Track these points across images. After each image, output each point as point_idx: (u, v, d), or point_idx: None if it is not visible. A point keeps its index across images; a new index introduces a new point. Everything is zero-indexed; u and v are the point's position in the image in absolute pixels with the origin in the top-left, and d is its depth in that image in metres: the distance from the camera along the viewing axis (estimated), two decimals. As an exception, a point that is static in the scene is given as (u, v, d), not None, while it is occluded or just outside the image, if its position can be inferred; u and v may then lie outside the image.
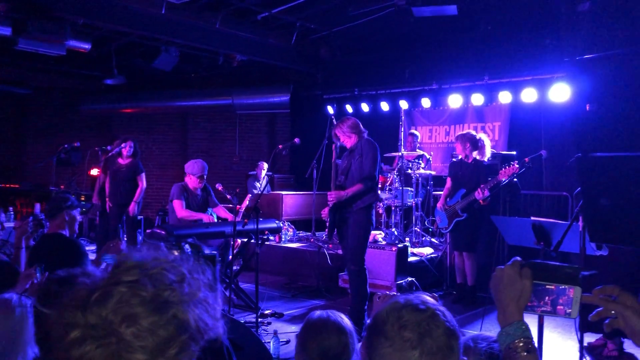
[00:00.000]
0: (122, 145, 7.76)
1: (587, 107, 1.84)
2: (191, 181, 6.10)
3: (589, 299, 1.26)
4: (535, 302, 1.26)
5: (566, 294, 1.24)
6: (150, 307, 0.90)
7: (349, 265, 5.33)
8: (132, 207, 7.72)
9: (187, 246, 1.49)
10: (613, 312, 1.24)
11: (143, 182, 7.87)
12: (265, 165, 9.62)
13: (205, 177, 6.16)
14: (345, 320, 2.14)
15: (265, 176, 9.31)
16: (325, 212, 5.45)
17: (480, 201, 6.09)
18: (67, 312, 0.90)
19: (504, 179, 5.95)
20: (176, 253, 1.06)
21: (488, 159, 6.54)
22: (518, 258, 1.28)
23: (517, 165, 5.85)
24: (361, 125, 5.40)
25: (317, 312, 2.19)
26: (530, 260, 1.27)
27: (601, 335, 4.71)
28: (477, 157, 6.40)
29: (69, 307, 0.91)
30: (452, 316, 1.34)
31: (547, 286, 1.26)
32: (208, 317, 0.97)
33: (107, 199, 7.83)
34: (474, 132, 6.66)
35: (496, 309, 1.28)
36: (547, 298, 1.26)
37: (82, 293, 0.92)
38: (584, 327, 4.07)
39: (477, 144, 6.40)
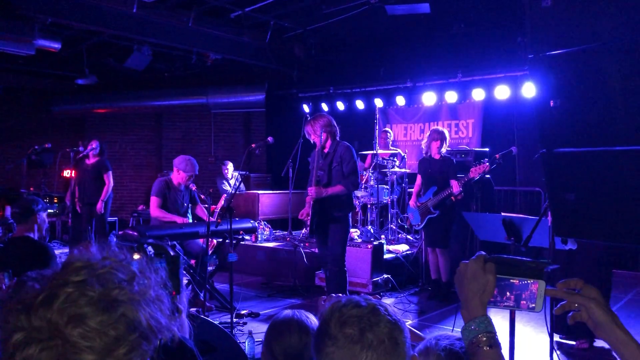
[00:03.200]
0: (90, 146, 7.72)
1: (551, 103, 1.86)
2: (178, 177, 5.95)
3: (553, 293, 1.27)
4: (499, 296, 1.27)
5: (529, 288, 1.25)
6: (98, 306, 0.88)
7: (330, 266, 5.33)
8: (100, 206, 7.68)
9: (149, 248, 1.47)
10: (576, 304, 1.25)
11: (110, 180, 7.84)
12: (230, 164, 9.59)
13: (194, 176, 6.03)
14: (312, 320, 2.13)
15: (238, 175, 9.27)
16: (303, 214, 5.44)
17: (453, 198, 6.14)
18: (11, 316, 0.89)
19: (475, 177, 6.02)
20: (137, 255, 1.04)
21: (446, 151, 6.53)
22: (482, 252, 1.28)
23: (488, 164, 5.90)
24: (334, 124, 5.38)
25: (284, 312, 2.19)
26: (495, 254, 1.28)
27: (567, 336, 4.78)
28: (445, 154, 6.43)
29: (13, 310, 0.89)
30: (394, 311, 1.35)
31: (511, 280, 1.26)
32: (161, 316, 0.96)
33: (76, 200, 7.76)
34: (441, 129, 6.64)
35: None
36: (510, 293, 1.26)
37: (29, 295, 0.90)
38: (555, 325, 4.13)
39: (445, 140, 6.42)
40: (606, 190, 2.04)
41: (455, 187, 6.09)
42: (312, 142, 5.50)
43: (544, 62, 2.06)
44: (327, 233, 5.27)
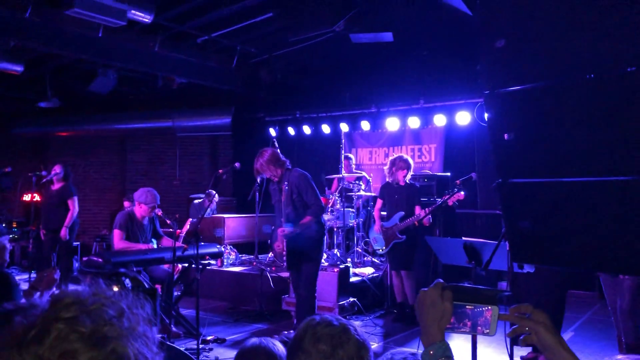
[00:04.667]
0: (53, 171, 7.58)
1: (506, 137, 1.98)
2: (141, 210, 5.93)
3: (506, 317, 1.36)
4: (456, 322, 1.35)
5: (484, 314, 1.34)
6: (89, 342, 0.89)
7: (300, 291, 5.36)
8: (63, 232, 7.52)
9: (127, 280, 1.50)
10: (527, 328, 1.34)
11: (74, 206, 7.67)
12: (217, 195, 9.48)
13: (156, 207, 6.00)
14: (278, 347, 2.17)
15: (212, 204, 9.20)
16: (279, 246, 5.49)
17: (416, 223, 6.28)
18: (2, 352, 0.89)
19: (451, 204, 6.20)
20: (116, 288, 1.08)
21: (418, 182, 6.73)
22: (440, 280, 1.37)
23: (463, 194, 6.06)
24: (279, 155, 5.41)
25: (251, 340, 2.23)
26: (452, 283, 1.37)
27: (531, 349, 4.92)
28: (407, 179, 6.58)
29: (4, 346, 0.90)
30: (362, 331, 1.49)
31: (467, 307, 1.35)
32: (147, 351, 0.97)
33: (40, 226, 7.59)
34: (406, 156, 6.79)
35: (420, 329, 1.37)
36: (466, 318, 1.35)
37: (19, 331, 0.91)
38: (514, 342, 4.25)
39: (410, 167, 6.58)
40: (559, 218, 2.16)
41: (420, 212, 6.25)
42: (265, 177, 5.54)
43: (499, 98, 2.20)
44: (301, 261, 5.32)
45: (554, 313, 4.44)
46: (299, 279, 5.42)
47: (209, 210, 9.10)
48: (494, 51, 2.21)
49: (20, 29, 7.13)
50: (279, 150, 5.69)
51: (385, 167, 6.75)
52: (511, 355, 3.62)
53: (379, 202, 6.80)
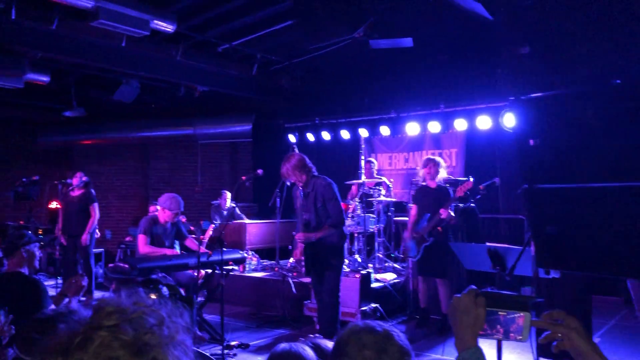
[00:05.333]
0: (76, 177, 7.73)
1: (531, 142, 2.00)
2: (164, 215, 6.04)
3: (538, 324, 1.38)
4: (489, 328, 1.38)
5: (516, 320, 1.36)
6: (131, 350, 0.91)
7: (325, 297, 5.37)
8: (84, 238, 7.65)
9: (164, 288, 1.55)
10: (560, 334, 1.36)
11: (96, 212, 7.83)
12: (229, 194, 9.62)
13: (179, 213, 6.10)
14: (308, 352, 2.20)
15: (231, 206, 9.31)
16: (297, 254, 5.52)
17: (449, 219, 6.19)
18: (49, 358, 0.92)
19: (461, 195, 6.12)
20: (154, 296, 1.11)
21: (441, 180, 6.64)
22: (473, 287, 1.40)
23: (471, 180, 6.01)
24: (307, 161, 5.42)
25: (281, 345, 2.25)
26: (484, 289, 1.39)
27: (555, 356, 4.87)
28: (442, 183, 6.52)
29: (50, 352, 0.93)
30: (405, 337, 1.51)
31: (500, 313, 1.37)
32: (186, 359, 0.99)
33: (59, 232, 7.74)
34: (438, 159, 6.72)
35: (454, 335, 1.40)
36: (499, 325, 1.37)
37: (63, 338, 0.94)
38: (540, 350, 4.23)
39: (439, 169, 6.52)
40: (586, 223, 2.17)
41: (444, 213, 6.17)
42: (289, 183, 5.57)
43: (524, 104, 2.21)
44: (323, 270, 5.33)
45: (581, 319, 4.41)
46: (320, 286, 5.44)
47: (225, 211, 9.21)
48: (518, 57, 2.23)
49: (47, 40, 7.30)
50: (303, 155, 5.69)
51: (421, 170, 6.66)
52: (537, 361, 3.60)
53: (414, 208, 6.65)
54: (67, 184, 7.78)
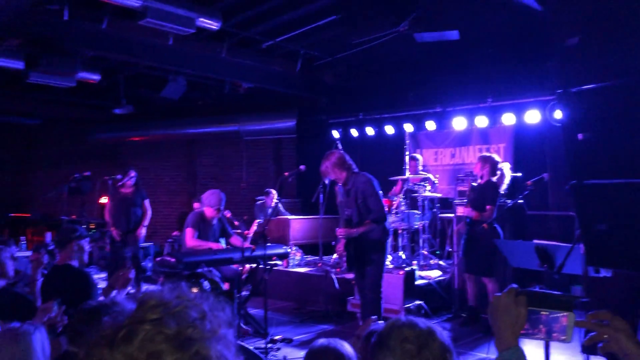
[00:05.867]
0: (130, 175, 7.95)
1: (580, 137, 1.91)
2: (208, 212, 6.19)
3: (583, 324, 1.32)
4: (531, 328, 1.33)
5: (560, 320, 1.31)
6: (174, 344, 0.92)
7: (367, 293, 5.36)
8: (140, 232, 7.88)
9: (205, 282, 1.56)
10: (606, 336, 1.30)
11: (149, 208, 8.06)
12: (275, 193, 9.69)
13: (222, 209, 6.22)
14: (347, 348, 2.19)
15: (275, 202, 9.38)
16: (340, 248, 5.53)
17: (474, 217, 6.12)
18: (95, 350, 0.94)
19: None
20: (195, 290, 1.12)
21: (504, 190, 6.52)
22: (514, 286, 1.35)
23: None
24: (347, 158, 5.40)
25: (320, 341, 2.25)
26: (526, 288, 1.34)
27: (606, 359, 4.70)
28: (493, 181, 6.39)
29: (96, 345, 0.94)
30: (448, 335, 1.50)
31: (542, 313, 1.32)
32: (228, 353, 0.99)
33: (112, 228, 7.97)
34: (498, 158, 6.58)
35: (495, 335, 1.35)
36: (541, 325, 1.32)
37: (108, 331, 0.95)
38: (589, 350, 4.08)
39: (495, 170, 6.37)
40: (637, 220, 2.07)
41: (466, 211, 6.14)
42: (329, 180, 5.55)
43: (572, 97, 2.13)
44: (365, 265, 5.32)
45: (629, 320, 4.23)
46: (363, 281, 5.42)
47: (269, 209, 9.29)
48: (567, 49, 2.14)
49: (98, 40, 7.52)
50: (342, 152, 5.69)
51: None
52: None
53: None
54: (117, 180, 8.00)
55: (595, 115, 1.84)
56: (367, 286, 5.31)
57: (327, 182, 5.58)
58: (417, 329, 1.46)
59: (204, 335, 0.96)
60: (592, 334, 1.31)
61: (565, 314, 1.30)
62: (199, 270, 4.55)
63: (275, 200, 9.47)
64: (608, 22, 1.83)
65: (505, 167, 6.61)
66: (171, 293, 1.02)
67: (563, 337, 1.31)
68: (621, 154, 1.92)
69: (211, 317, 1.00)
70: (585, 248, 2.33)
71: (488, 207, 6.15)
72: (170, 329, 0.93)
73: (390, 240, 8.23)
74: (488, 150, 9.07)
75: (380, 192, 5.41)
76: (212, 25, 7.13)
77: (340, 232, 5.34)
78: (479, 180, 6.46)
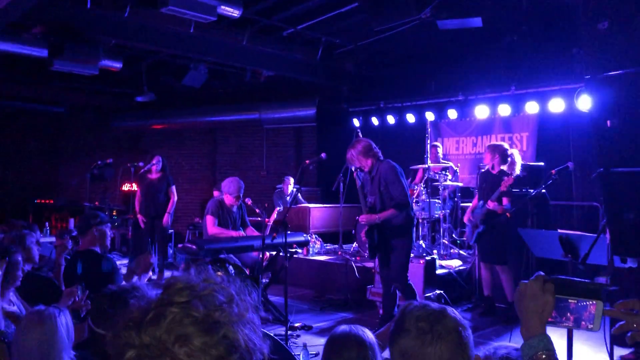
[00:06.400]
0: (153, 161, 8.03)
1: (608, 123, 1.87)
2: (228, 199, 6.23)
3: (611, 313, 1.30)
4: (558, 316, 1.30)
5: (588, 308, 1.28)
6: (201, 327, 0.92)
7: (394, 283, 5.36)
8: (166, 219, 7.98)
9: (230, 267, 1.56)
10: (635, 325, 1.27)
11: (174, 194, 8.17)
12: (292, 180, 9.71)
13: (241, 196, 6.26)
14: (368, 334, 2.19)
15: (294, 190, 9.41)
16: (363, 235, 5.55)
17: (497, 211, 6.08)
18: (123, 332, 0.94)
19: (503, 190, 5.96)
20: (220, 274, 1.11)
21: (517, 175, 6.47)
22: (541, 273, 1.33)
23: (513, 177, 5.99)
24: (373, 146, 5.40)
25: (341, 327, 2.26)
26: (554, 275, 1.32)
27: (633, 349, 4.63)
28: (512, 174, 6.33)
29: (124, 327, 0.95)
30: (461, 314, 1.58)
31: (570, 301, 1.30)
32: (256, 337, 0.99)
33: (137, 214, 8.07)
34: (506, 146, 6.58)
35: (521, 322, 1.34)
36: (569, 313, 1.30)
37: (136, 314, 0.96)
38: (614, 340, 4.02)
39: (506, 158, 6.34)
40: (667, 209, 2.03)
41: (490, 204, 6.09)
42: (355, 168, 5.55)
43: (601, 82, 2.08)
44: (389, 253, 5.31)
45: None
46: (386, 269, 5.42)
47: (288, 196, 9.31)
48: (596, 33, 2.09)
49: (120, 28, 7.57)
50: (369, 140, 5.64)
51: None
52: (611, 354, 3.43)
53: (476, 194, 6.66)
54: (139, 167, 8.09)
55: (623, 101, 1.80)
56: (392, 274, 5.31)
57: (352, 169, 5.58)
58: (429, 309, 1.54)
59: (232, 319, 0.96)
60: (621, 322, 1.28)
61: (593, 302, 1.28)
62: (222, 256, 4.58)
63: (292, 188, 9.49)
64: (638, 7, 1.78)
65: (515, 153, 6.53)
66: (198, 277, 1.01)
67: (591, 326, 1.28)
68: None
69: (238, 300, 1.00)
70: (612, 237, 2.28)
71: (504, 199, 6.11)
72: (198, 312, 0.93)
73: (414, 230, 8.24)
74: (511, 139, 8.97)
75: (406, 180, 5.39)
76: (234, 12, 7.11)
77: (361, 218, 5.34)
78: (491, 170, 6.40)
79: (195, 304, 0.94)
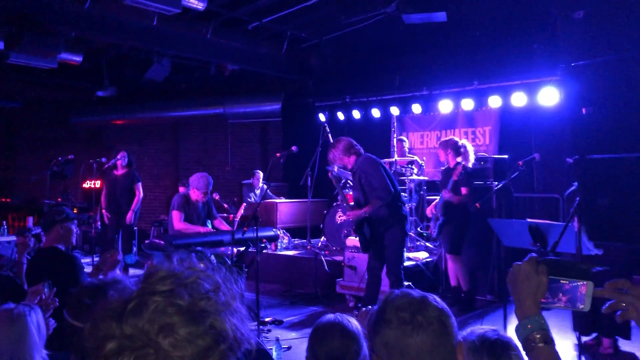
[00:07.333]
0: (118, 157, 7.85)
1: (584, 111, 1.91)
2: (194, 194, 6.13)
3: (602, 293, 1.33)
4: (550, 297, 1.33)
5: (579, 289, 1.31)
6: (187, 316, 0.87)
7: (388, 275, 5.41)
8: (129, 216, 7.82)
9: (212, 257, 1.53)
10: (624, 304, 1.30)
11: (140, 191, 8.01)
12: (261, 174, 9.66)
13: (209, 193, 6.18)
14: (353, 323, 2.19)
15: (263, 186, 9.36)
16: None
17: (451, 200, 6.19)
18: (102, 324, 0.88)
19: (455, 179, 6.12)
20: (202, 265, 1.06)
21: (472, 165, 6.60)
22: (534, 254, 1.35)
23: (460, 166, 6.17)
24: (354, 143, 5.44)
25: (327, 316, 2.25)
26: (545, 257, 1.34)
27: (594, 335, 4.78)
28: (461, 163, 6.47)
29: (103, 318, 0.89)
30: (442, 301, 1.53)
31: (562, 281, 1.32)
32: (243, 327, 0.95)
33: (103, 210, 7.90)
34: (456, 139, 6.73)
35: (512, 305, 1.36)
36: (561, 293, 1.33)
37: (117, 304, 0.90)
38: (577, 327, 4.14)
39: (458, 150, 6.47)
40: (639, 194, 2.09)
41: (445, 194, 6.26)
42: (337, 168, 5.57)
43: (576, 71, 2.12)
44: (380, 245, 5.34)
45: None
46: (374, 262, 5.49)
47: (259, 191, 9.27)
48: (571, 23, 2.13)
49: (80, 20, 7.35)
50: (349, 138, 5.65)
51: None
52: (579, 338, 3.53)
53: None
54: (102, 163, 7.90)
55: (599, 89, 1.84)
56: (387, 267, 5.36)
57: (335, 170, 5.60)
58: (410, 297, 1.49)
59: (219, 308, 0.91)
60: (611, 302, 1.32)
61: (584, 282, 1.31)
62: (198, 249, 4.52)
63: (261, 182, 9.45)
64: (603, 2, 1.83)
65: (467, 144, 6.67)
66: (181, 265, 0.96)
67: (582, 306, 1.31)
68: (625, 129, 1.92)
69: (225, 289, 0.95)
70: (587, 223, 2.34)
71: (463, 189, 6.23)
72: (183, 300, 0.88)
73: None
74: (474, 133, 9.13)
75: (386, 170, 5.41)
76: (198, 5, 7.01)
77: (348, 214, 5.37)
78: (449, 165, 6.54)
79: (179, 292, 0.89)
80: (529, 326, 1.29)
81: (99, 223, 8.25)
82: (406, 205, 8.03)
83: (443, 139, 7.24)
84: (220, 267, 1.03)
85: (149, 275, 0.94)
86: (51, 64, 8.04)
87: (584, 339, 4.87)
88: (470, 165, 6.47)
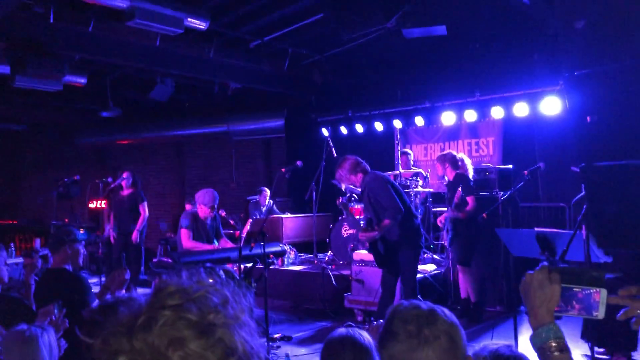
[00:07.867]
0: (122, 177, 7.92)
1: (588, 119, 1.93)
2: (202, 211, 6.12)
3: (615, 300, 1.34)
4: (563, 305, 1.34)
5: (592, 296, 1.32)
6: (196, 330, 0.89)
7: (404, 289, 5.44)
8: (135, 235, 7.85)
9: (221, 272, 1.54)
10: (638, 310, 1.31)
11: (145, 210, 8.04)
12: (268, 192, 9.68)
13: (216, 207, 6.18)
14: (365, 337, 2.19)
15: (270, 202, 9.39)
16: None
17: (461, 216, 6.20)
18: (112, 339, 0.90)
19: (456, 202, 6.16)
20: (210, 279, 1.07)
21: (477, 175, 6.63)
22: (546, 263, 1.36)
23: (461, 192, 6.16)
24: (360, 160, 5.45)
25: (339, 330, 2.25)
26: (558, 265, 1.35)
27: (604, 350, 4.74)
28: (460, 174, 6.49)
29: (113, 333, 0.90)
30: (452, 314, 1.49)
31: (575, 289, 1.33)
32: (253, 340, 0.96)
33: (110, 230, 7.95)
34: (453, 152, 6.76)
35: (523, 316, 1.36)
36: (575, 301, 1.33)
37: (126, 319, 0.92)
38: (588, 338, 4.11)
39: (456, 163, 6.50)
40: (647, 201, 2.09)
41: (450, 212, 6.33)
42: (346, 187, 5.60)
43: (579, 80, 2.14)
44: (394, 262, 5.37)
45: None
46: (389, 276, 5.50)
47: (264, 207, 9.28)
48: (573, 32, 2.16)
49: (84, 42, 7.44)
50: (355, 156, 5.67)
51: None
52: (592, 349, 3.51)
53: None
54: (108, 183, 7.95)
55: (603, 98, 1.87)
56: (403, 282, 5.38)
57: (343, 188, 5.62)
58: (418, 310, 1.46)
59: (227, 322, 0.92)
60: (625, 309, 1.32)
61: (597, 290, 1.31)
62: (208, 265, 4.53)
63: (268, 199, 9.46)
64: (614, 5, 1.86)
65: (464, 157, 6.70)
66: (190, 279, 0.98)
67: (596, 313, 1.32)
68: (630, 135, 1.94)
69: (233, 302, 0.96)
70: (596, 231, 2.35)
71: (468, 199, 6.24)
72: (192, 314, 0.90)
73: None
74: (477, 144, 9.15)
75: (394, 186, 5.42)
76: (200, 25, 7.10)
77: (361, 236, 5.37)
78: (449, 178, 6.57)
79: (188, 306, 0.91)
80: (544, 335, 1.29)
81: (100, 245, 8.27)
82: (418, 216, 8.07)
83: (440, 153, 7.29)
84: (229, 281, 1.04)
85: (158, 290, 0.96)
86: (56, 87, 8.11)
87: (596, 349, 4.83)
88: (470, 177, 6.51)
